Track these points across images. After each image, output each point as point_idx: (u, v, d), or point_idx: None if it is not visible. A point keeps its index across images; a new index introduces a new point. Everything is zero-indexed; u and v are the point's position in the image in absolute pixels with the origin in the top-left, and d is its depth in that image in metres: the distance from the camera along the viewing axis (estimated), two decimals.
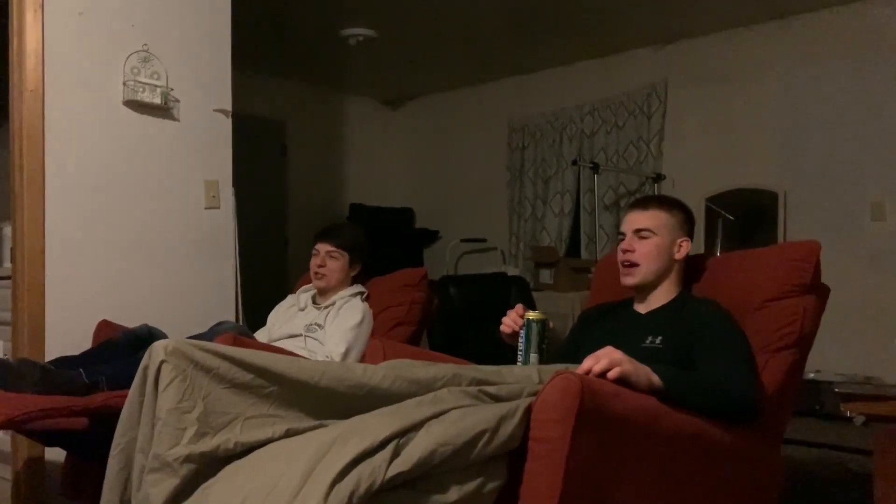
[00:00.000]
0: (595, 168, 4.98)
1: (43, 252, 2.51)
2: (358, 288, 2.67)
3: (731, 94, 4.72)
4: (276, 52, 5.16)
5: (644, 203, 1.92)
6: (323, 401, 1.42)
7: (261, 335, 2.71)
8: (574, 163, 5.22)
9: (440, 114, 6.29)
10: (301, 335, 2.54)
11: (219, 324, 2.47)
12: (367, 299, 2.64)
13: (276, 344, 2.49)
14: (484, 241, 5.81)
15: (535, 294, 4.35)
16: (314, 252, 2.66)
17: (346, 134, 6.24)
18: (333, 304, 2.59)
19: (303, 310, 2.66)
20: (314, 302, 2.68)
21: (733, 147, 4.71)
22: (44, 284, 2.50)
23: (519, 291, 4.19)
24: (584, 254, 5.24)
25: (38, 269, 2.50)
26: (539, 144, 5.64)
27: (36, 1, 2.50)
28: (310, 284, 2.71)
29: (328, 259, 2.62)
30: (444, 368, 1.49)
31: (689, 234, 1.93)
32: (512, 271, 5.10)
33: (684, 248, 1.89)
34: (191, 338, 2.30)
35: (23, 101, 2.49)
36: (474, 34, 4.91)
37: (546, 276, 4.99)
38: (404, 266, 2.82)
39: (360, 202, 6.04)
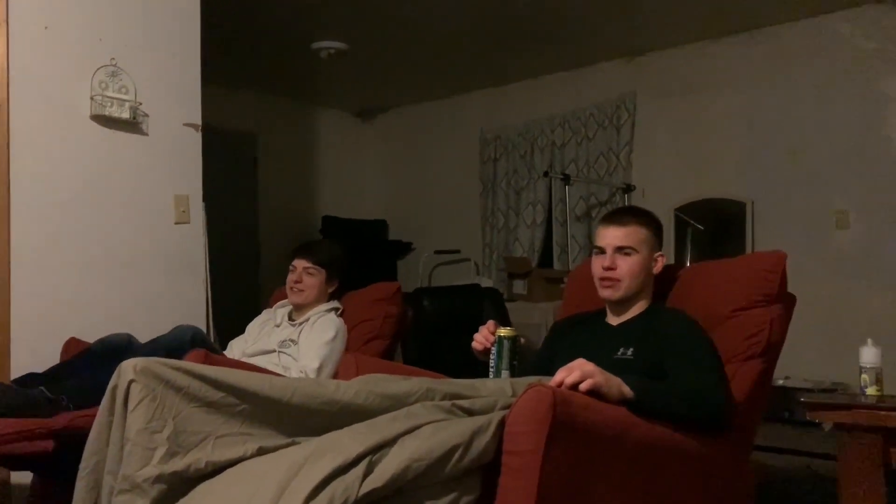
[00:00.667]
0: (566, 179, 5.03)
1: (8, 268, 2.46)
2: (332, 304, 2.66)
3: (699, 106, 4.80)
4: (247, 65, 5.14)
5: (621, 218, 1.92)
6: (295, 418, 1.41)
7: (238, 343, 2.70)
8: (545, 174, 5.26)
9: (412, 126, 6.31)
10: (275, 351, 2.53)
11: (177, 328, 2.42)
12: (341, 314, 2.64)
13: (251, 360, 2.48)
14: (457, 252, 5.82)
15: (508, 305, 4.36)
16: (291, 268, 2.65)
17: (318, 146, 6.22)
18: (308, 319, 2.59)
19: (278, 326, 2.65)
20: (290, 318, 2.67)
21: (701, 158, 4.78)
22: (9, 301, 2.46)
23: (492, 303, 4.20)
24: (556, 264, 5.28)
25: (3, 285, 2.45)
26: (511, 156, 5.67)
27: (0, 15, 2.47)
28: (286, 300, 2.70)
29: (305, 275, 2.62)
30: (418, 383, 1.49)
31: (661, 247, 1.95)
32: (485, 282, 5.12)
33: (660, 263, 1.92)
34: (150, 342, 2.29)
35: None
36: (445, 47, 4.94)
37: (519, 286, 5.02)
38: (378, 278, 2.82)
39: (332, 215, 6.03)
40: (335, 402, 1.41)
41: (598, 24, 4.53)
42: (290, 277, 2.64)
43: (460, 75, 5.53)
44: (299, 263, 2.64)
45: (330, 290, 2.67)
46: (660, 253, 1.93)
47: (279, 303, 2.75)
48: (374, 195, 6.41)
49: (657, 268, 1.92)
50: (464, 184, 5.90)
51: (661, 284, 1.99)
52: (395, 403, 1.43)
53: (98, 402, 1.41)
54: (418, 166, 6.23)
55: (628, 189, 4.99)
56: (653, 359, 1.75)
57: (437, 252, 5.85)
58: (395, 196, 6.35)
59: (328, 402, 1.41)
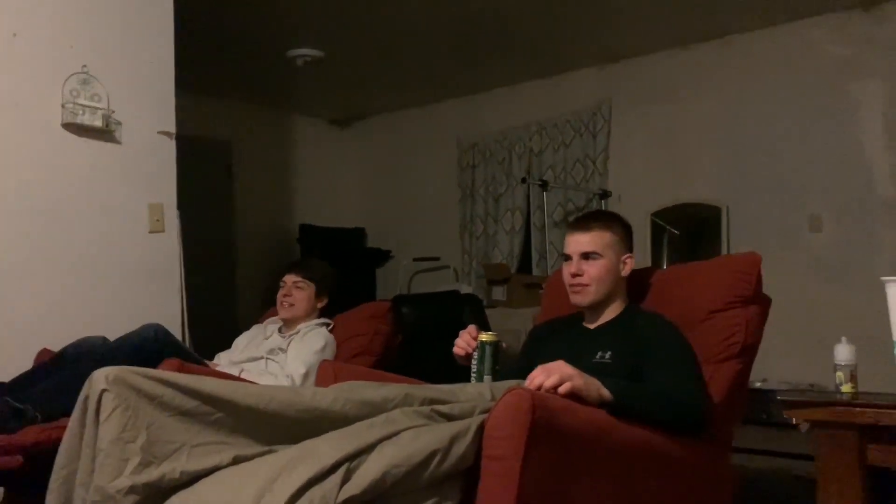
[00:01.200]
0: (544, 185, 5.05)
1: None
2: (324, 320, 2.69)
3: (675, 112, 4.84)
4: (222, 73, 5.11)
5: (586, 224, 1.92)
6: (271, 426, 1.39)
7: (225, 355, 2.71)
8: (523, 181, 5.27)
9: (389, 133, 6.30)
10: (263, 358, 2.53)
11: (142, 326, 2.36)
12: (331, 331, 2.65)
13: (238, 366, 2.50)
14: (437, 259, 5.81)
15: (488, 311, 4.36)
16: (281, 284, 2.69)
17: (294, 154, 6.19)
18: (298, 332, 2.61)
19: (268, 338, 2.66)
20: (280, 332, 2.68)
21: (677, 163, 4.82)
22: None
23: (472, 309, 4.19)
24: (535, 270, 5.29)
25: None
26: (489, 163, 5.68)
27: None
28: (277, 316, 2.70)
29: (294, 289, 2.66)
30: (396, 389, 1.48)
31: (630, 248, 1.96)
32: (465, 289, 5.11)
33: (629, 265, 1.93)
34: (116, 341, 2.27)
35: None
36: (422, 54, 4.94)
37: (499, 293, 5.02)
38: (357, 287, 2.83)
39: (310, 223, 5.99)
40: (312, 410, 1.40)
41: (573, 31, 4.56)
42: (280, 293, 2.68)
43: (437, 83, 5.53)
44: (289, 279, 2.68)
45: (320, 306, 2.69)
46: (628, 255, 1.93)
47: (270, 318, 2.76)
48: (351, 203, 6.38)
49: (626, 270, 1.92)
50: (443, 191, 5.89)
51: (636, 287, 2.00)
52: (373, 410, 1.42)
53: (66, 406, 1.38)
54: (396, 174, 6.22)
55: (605, 195, 5.01)
56: (631, 362, 1.75)
57: (416, 259, 5.83)
58: (374, 203, 6.33)
59: (305, 410, 1.39)
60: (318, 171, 6.28)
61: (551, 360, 1.54)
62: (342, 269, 4.69)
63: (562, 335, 1.99)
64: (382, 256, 6.15)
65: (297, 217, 6.06)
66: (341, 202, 6.33)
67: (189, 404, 1.34)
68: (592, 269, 1.87)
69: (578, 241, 1.89)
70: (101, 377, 1.32)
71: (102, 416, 1.30)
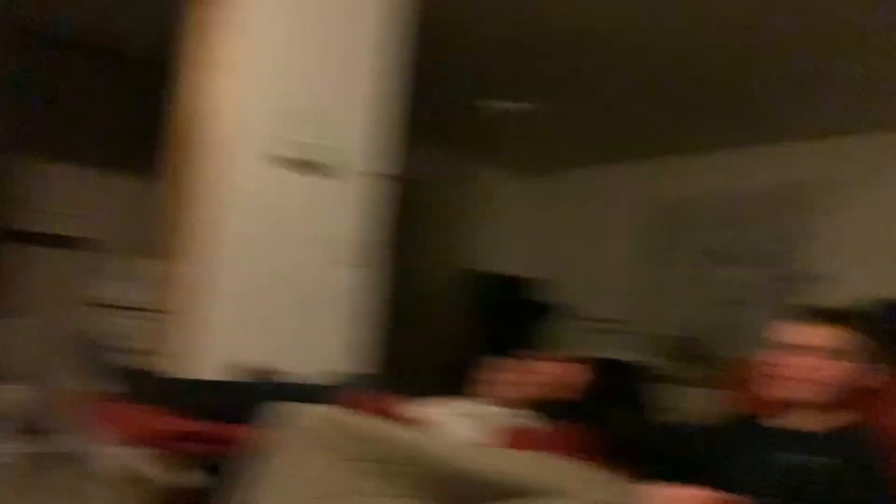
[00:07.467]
0: (735, 260, 4.77)
1: (204, 292, 2.64)
2: None
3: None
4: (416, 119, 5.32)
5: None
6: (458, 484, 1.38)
7: None
8: (711, 253, 5.02)
9: (578, 189, 6.28)
10: None
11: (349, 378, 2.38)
12: None
13: None
14: (619, 322, 5.61)
15: (665, 385, 4.15)
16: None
17: (478, 202, 6.32)
18: None
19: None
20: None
21: None
22: (199, 320, 2.63)
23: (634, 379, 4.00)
24: (723, 350, 4.98)
25: (198, 307, 2.64)
26: (680, 229, 5.49)
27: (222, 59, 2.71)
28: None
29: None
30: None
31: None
32: (636, 357, 4.91)
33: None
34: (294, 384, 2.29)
35: (202, 157, 2.68)
36: (623, 114, 4.89)
37: (675, 367, 4.78)
38: (518, 336, 2.68)
39: (485, 269, 6.07)
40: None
41: (784, 103, 4.33)
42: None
43: (633, 142, 5.44)
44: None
45: None
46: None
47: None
48: (525, 253, 6.40)
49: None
50: (625, 253, 5.77)
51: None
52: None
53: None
54: (581, 230, 6.18)
55: (813, 278, 4.63)
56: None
57: (595, 320, 5.69)
58: (552, 257, 6.31)
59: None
60: (500, 220, 6.36)
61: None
62: (508, 318, 4.58)
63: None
64: (548, 310, 6.07)
65: (472, 262, 6.14)
66: (515, 251, 6.35)
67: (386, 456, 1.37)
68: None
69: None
70: (309, 415, 1.39)
71: (295, 450, 1.37)
